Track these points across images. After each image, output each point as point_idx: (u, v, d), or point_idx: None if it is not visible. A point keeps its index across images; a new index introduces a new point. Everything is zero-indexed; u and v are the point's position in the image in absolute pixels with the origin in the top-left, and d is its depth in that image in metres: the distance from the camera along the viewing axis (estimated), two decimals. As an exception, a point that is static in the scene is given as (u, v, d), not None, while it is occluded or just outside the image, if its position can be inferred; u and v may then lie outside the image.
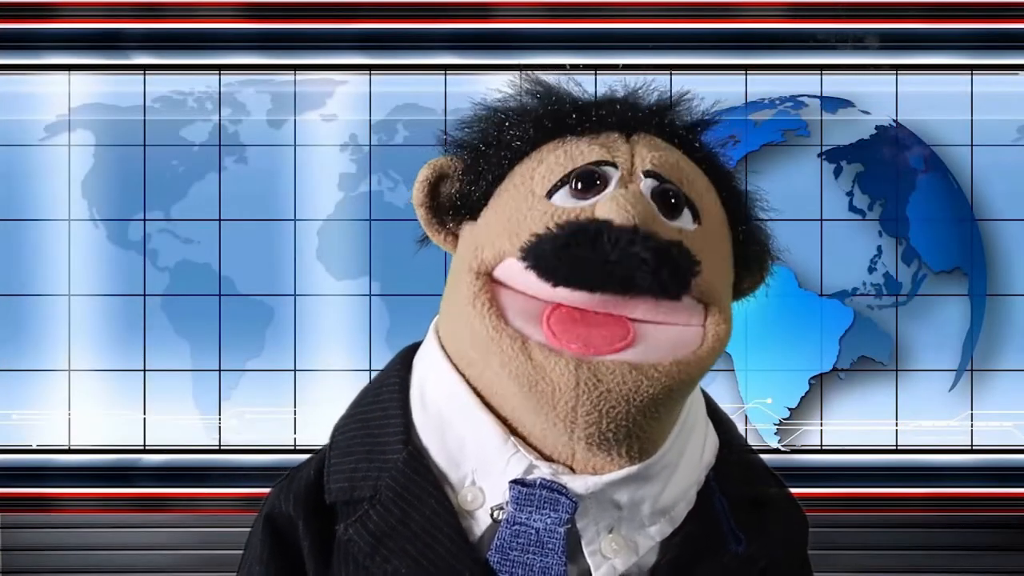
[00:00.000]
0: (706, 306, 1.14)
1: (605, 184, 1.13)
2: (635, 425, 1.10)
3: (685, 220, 1.14)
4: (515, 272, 1.12)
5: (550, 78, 1.22)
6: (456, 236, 1.22)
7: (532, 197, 1.14)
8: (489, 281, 1.14)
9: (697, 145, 1.21)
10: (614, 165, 1.14)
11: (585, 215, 1.10)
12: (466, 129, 1.22)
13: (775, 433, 3.04)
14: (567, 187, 1.13)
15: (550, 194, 1.13)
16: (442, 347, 1.21)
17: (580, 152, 1.15)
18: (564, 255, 1.07)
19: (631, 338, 1.09)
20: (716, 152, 1.23)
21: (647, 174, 1.14)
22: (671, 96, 1.22)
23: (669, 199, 1.14)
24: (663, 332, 1.11)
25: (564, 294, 1.09)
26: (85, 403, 3.03)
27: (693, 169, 1.19)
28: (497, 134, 1.19)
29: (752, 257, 1.23)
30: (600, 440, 1.10)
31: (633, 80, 1.23)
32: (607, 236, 1.06)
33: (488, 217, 1.17)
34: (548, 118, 1.18)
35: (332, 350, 3.04)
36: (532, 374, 1.08)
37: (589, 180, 1.13)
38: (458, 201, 1.20)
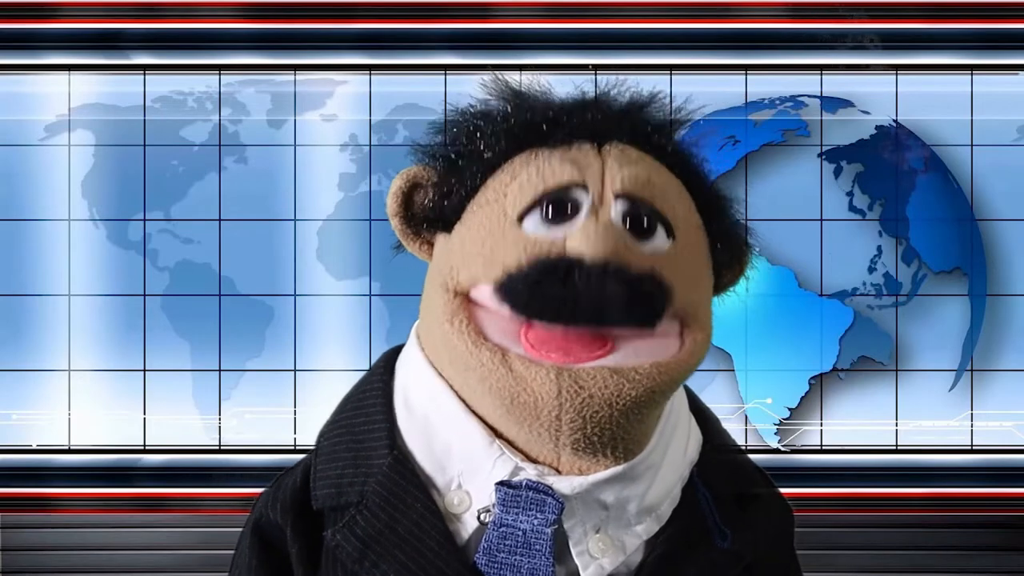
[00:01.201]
0: (683, 319, 1.14)
1: (576, 210, 1.12)
2: (619, 428, 1.10)
3: (659, 239, 1.14)
4: (490, 298, 1.12)
5: (520, 82, 1.22)
6: (431, 244, 1.22)
7: (504, 220, 1.13)
8: (466, 300, 1.14)
9: (670, 148, 1.21)
10: (585, 187, 1.13)
11: (556, 249, 1.10)
12: (439, 136, 1.21)
13: (775, 433, 3.04)
14: (538, 211, 1.13)
15: (522, 217, 1.13)
16: (424, 352, 1.22)
17: (552, 171, 1.14)
18: (536, 293, 1.08)
19: (609, 347, 1.10)
20: (688, 153, 1.22)
21: (618, 196, 1.13)
22: (643, 98, 1.21)
23: (641, 221, 1.13)
24: (641, 342, 1.11)
25: (539, 326, 1.10)
26: (85, 403, 3.03)
27: (666, 179, 1.18)
28: (468, 144, 1.19)
29: (730, 253, 1.23)
30: (585, 445, 1.10)
31: (606, 80, 1.22)
32: (577, 273, 1.07)
33: (462, 234, 1.17)
34: (519, 129, 1.17)
35: (332, 350, 3.04)
36: (513, 386, 1.09)
37: (560, 207, 1.13)
38: (431, 213, 1.20)
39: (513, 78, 1.22)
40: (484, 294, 1.13)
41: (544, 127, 1.17)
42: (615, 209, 1.13)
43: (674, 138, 1.22)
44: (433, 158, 1.21)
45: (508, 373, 1.09)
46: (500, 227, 1.13)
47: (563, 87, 1.25)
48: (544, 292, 1.07)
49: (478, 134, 1.18)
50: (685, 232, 1.16)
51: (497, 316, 1.12)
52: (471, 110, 1.21)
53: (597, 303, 1.06)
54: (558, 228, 1.12)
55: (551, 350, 1.09)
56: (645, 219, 1.13)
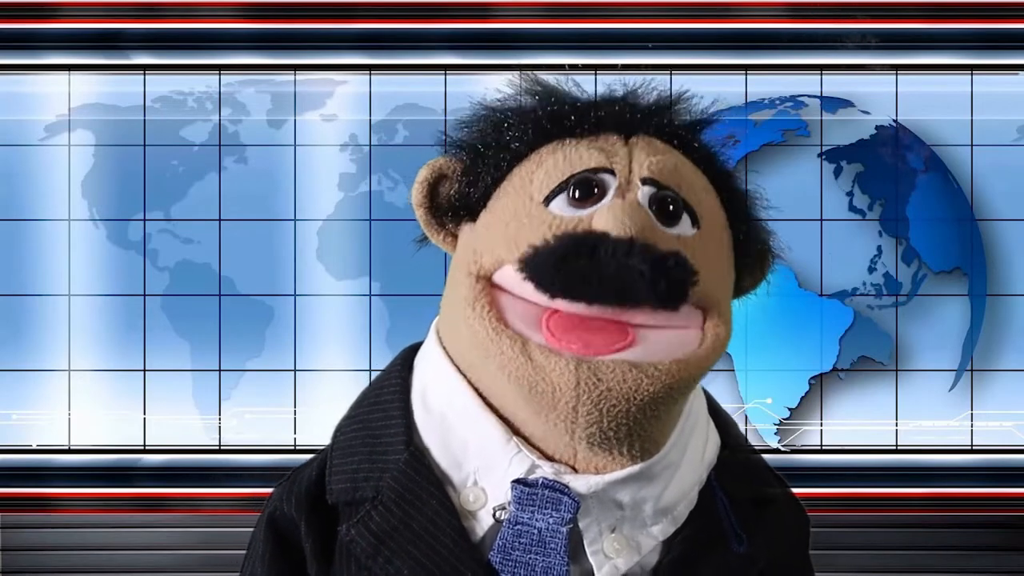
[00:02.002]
0: (705, 310, 1.14)
1: (603, 192, 1.13)
2: (636, 424, 1.10)
3: (684, 226, 1.14)
4: (513, 279, 1.12)
5: (549, 78, 1.22)
6: (455, 236, 1.22)
7: (530, 203, 1.14)
8: (488, 285, 1.14)
9: (696, 145, 1.21)
10: (612, 172, 1.14)
11: (582, 226, 1.11)
12: (465, 129, 1.22)
13: (775, 433, 3.04)
14: (565, 194, 1.13)
15: (548, 200, 1.13)
16: (443, 348, 1.22)
17: (579, 157, 1.15)
18: (561, 267, 1.07)
19: (630, 339, 1.09)
20: (716, 151, 1.23)
21: (644, 181, 1.13)
22: (670, 96, 1.22)
23: (667, 206, 1.14)
24: (662, 334, 1.11)
25: (562, 304, 1.09)
26: (85, 403, 3.03)
27: (692, 171, 1.18)
28: (496, 135, 1.19)
29: (753, 256, 1.23)
30: (601, 439, 1.10)
31: (633, 79, 1.23)
32: (603, 249, 1.07)
33: (487, 220, 1.17)
34: (547, 120, 1.18)
35: (332, 350, 3.04)
36: (532, 375, 1.09)
37: (587, 188, 1.13)
38: (457, 202, 1.20)
39: (542, 75, 1.23)
40: (508, 276, 1.13)
41: (572, 117, 1.17)
42: (642, 192, 1.13)
43: (701, 137, 1.22)
44: (459, 149, 1.21)
45: (528, 362, 1.09)
46: (526, 209, 1.14)
47: (592, 87, 1.25)
48: (569, 267, 1.07)
49: (506, 124, 1.19)
50: (710, 224, 1.17)
51: (520, 302, 1.12)
52: (499, 104, 1.21)
53: (622, 279, 1.06)
54: (585, 209, 1.12)
55: (572, 340, 1.09)
56: (671, 203, 1.14)
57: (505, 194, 1.17)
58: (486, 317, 1.12)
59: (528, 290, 1.11)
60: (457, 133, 1.22)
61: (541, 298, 1.10)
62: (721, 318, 1.15)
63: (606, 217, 1.09)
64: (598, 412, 1.08)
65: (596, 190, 1.13)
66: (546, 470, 1.13)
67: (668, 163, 1.16)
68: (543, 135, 1.18)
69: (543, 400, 1.09)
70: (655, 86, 1.22)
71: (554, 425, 1.11)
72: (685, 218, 1.15)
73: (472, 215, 1.19)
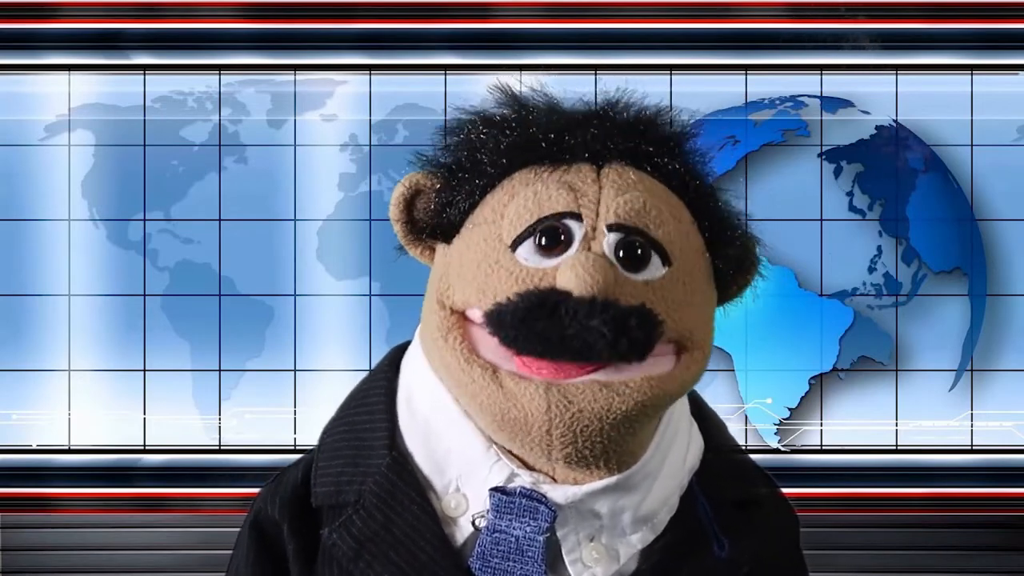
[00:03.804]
0: (678, 343, 1.14)
1: (569, 240, 1.12)
2: (610, 442, 1.11)
3: (653, 268, 1.13)
4: (482, 321, 1.13)
5: (525, 90, 1.21)
6: (432, 250, 1.22)
7: (499, 245, 1.14)
8: (461, 318, 1.15)
9: (671, 168, 1.19)
10: (579, 217, 1.13)
11: (546, 282, 1.10)
12: (445, 142, 1.21)
13: (775, 433, 3.04)
14: (532, 239, 1.13)
15: (516, 244, 1.13)
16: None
17: (548, 197, 1.14)
18: (523, 328, 1.08)
19: (601, 363, 1.10)
20: (692, 170, 1.21)
21: (611, 228, 1.13)
22: (647, 114, 1.20)
23: (634, 251, 1.13)
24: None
25: (526, 360, 1.10)
26: (85, 403, 3.03)
27: (663, 203, 1.16)
28: (470, 158, 1.18)
29: (736, 267, 1.22)
30: (578, 459, 1.11)
31: (614, 86, 1.21)
32: (564, 309, 1.07)
33: (460, 251, 1.17)
34: (521, 148, 1.17)
35: (332, 350, 3.04)
36: (503, 402, 1.09)
37: (553, 237, 1.13)
38: (433, 221, 1.20)
39: (519, 85, 1.22)
40: (477, 316, 1.13)
41: (544, 145, 1.17)
42: (607, 240, 1.13)
43: (678, 155, 1.20)
44: (436, 165, 1.21)
45: (498, 390, 1.10)
46: (495, 252, 1.14)
47: (562, 87, 1.24)
48: (531, 328, 1.08)
49: (480, 147, 1.18)
50: (682, 256, 1.15)
51: (491, 336, 1.12)
52: (474, 118, 1.20)
53: (583, 339, 1.07)
54: (551, 258, 1.12)
55: (543, 366, 1.10)
56: (638, 249, 1.13)
57: (476, 226, 1.17)
58: (458, 348, 1.13)
59: (495, 341, 1.11)
60: (440, 143, 1.21)
61: (507, 352, 1.11)
62: (695, 345, 1.15)
63: (568, 275, 1.09)
64: (572, 434, 1.09)
65: (563, 237, 1.13)
66: (525, 479, 1.13)
67: (636, 203, 1.14)
68: (517, 162, 1.17)
69: (516, 426, 1.10)
70: (633, 101, 1.20)
71: (530, 449, 1.12)
72: (654, 259, 1.14)
73: (447, 238, 1.19)
